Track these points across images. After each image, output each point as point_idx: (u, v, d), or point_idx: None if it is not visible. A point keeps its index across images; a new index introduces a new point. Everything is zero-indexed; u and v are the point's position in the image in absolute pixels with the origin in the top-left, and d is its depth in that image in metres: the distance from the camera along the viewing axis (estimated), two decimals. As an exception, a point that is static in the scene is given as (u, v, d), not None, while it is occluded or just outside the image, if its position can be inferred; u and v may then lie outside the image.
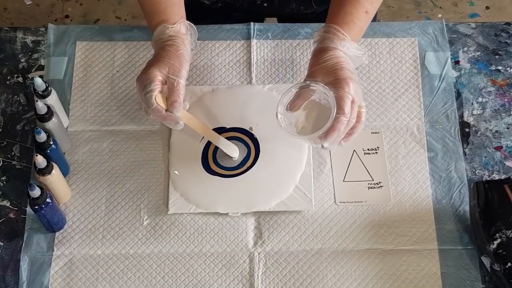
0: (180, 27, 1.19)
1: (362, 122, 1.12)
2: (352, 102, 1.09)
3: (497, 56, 1.35)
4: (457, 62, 1.34)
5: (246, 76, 1.33)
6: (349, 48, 1.14)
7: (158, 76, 1.13)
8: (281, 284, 1.16)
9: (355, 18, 1.15)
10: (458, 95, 1.31)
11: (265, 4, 1.43)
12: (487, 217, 1.12)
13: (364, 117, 1.12)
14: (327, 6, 1.20)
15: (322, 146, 1.11)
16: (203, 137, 1.24)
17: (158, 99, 1.12)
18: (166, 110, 1.13)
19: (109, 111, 1.30)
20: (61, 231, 1.20)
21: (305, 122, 1.16)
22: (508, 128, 1.28)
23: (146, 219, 1.21)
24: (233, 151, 1.22)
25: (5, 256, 1.18)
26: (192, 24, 1.21)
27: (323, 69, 1.12)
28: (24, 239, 1.19)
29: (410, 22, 1.38)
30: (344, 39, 1.13)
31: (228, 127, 1.26)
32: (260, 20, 1.39)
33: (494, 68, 1.34)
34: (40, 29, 1.39)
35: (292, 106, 1.13)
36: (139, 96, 1.15)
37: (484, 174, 1.24)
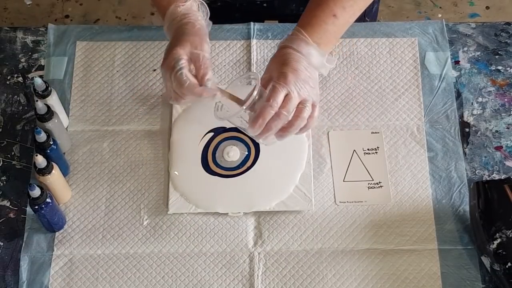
0: (192, 4, 1.18)
1: (303, 119, 1.10)
2: (287, 95, 1.08)
3: (497, 56, 1.35)
4: (457, 62, 1.34)
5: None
6: (304, 48, 1.13)
7: (183, 55, 1.12)
8: (281, 284, 1.16)
9: (321, 21, 1.15)
10: (458, 95, 1.31)
11: (264, 5, 1.43)
12: (487, 217, 1.12)
13: (307, 113, 1.10)
14: (326, 7, 1.20)
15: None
16: (203, 137, 1.25)
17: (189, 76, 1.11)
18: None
19: (109, 111, 1.30)
20: (61, 231, 1.20)
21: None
22: (508, 128, 1.28)
23: (146, 219, 1.21)
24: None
25: (5, 256, 1.18)
26: (204, 2, 1.20)
27: (273, 64, 1.14)
28: (24, 239, 1.19)
29: (410, 22, 1.38)
30: (302, 39, 1.14)
31: (228, 127, 1.26)
32: (260, 21, 1.39)
33: (494, 68, 1.34)
34: (40, 29, 1.39)
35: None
36: (166, 84, 1.14)
37: (484, 174, 1.24)
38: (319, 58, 1.15)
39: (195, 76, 1.12)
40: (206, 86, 1.11)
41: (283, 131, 1.11)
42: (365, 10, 1.21)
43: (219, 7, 1.44)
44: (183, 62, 1.11)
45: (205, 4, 1.21)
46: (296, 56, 1.13)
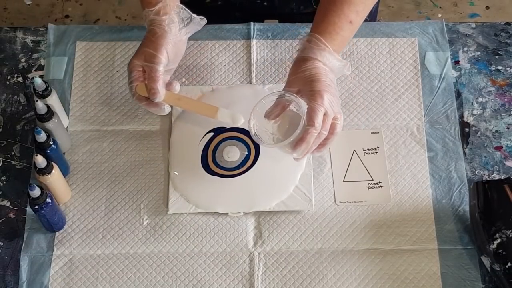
0: (161, 9, 1.19)
1: (336, 134, 1.12)
2: (325, 114, 1.09)
3: (497, 56, 1.35)
4: (457, 62, 1.34)
5: (246, 76, 1.33)
6: (329, 59, 1.14)
7: (136, 66, 1.18)
8: (281, 284, 1.16)
9: (338, 28, 1.15)
10: (458, 95, 1.31)
11: (265, 3, 1.43)
12: (487, 217, 1.12)
13: (339, 129, 1.12)
14: (327, 6, 1.20)
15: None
16: (203, 137, 1.25)
17: (139, 89, 1.18)
18: (148, 98, 1.18)
19: (109, 111, 1.30)
20: (61, 231, 1.20)
21: (277, 131, 1.16)
22: (508, 128, 1.28)
23: (146, 219, 1.21)
24: (237, 120, 1.18)
25: (5, 256, 1.18)
26: (182, 6, 1.21)
27: (301, 79, 1.13)
28: (24, 239, 1.19)
29: (410, 22, 1.38)
30: (325, 49, 1.13)
31: (228, 127, 1.26)
32: (260, 21, 1.39)
33: (494, 68, 1.34)
34: (40, 29, 1.39)
35: (269, 114, 1.14)
36: None
37: (484, 174, 1.24)
38: (340, 68, 1.16)
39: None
40: (153, 100, 1.17)
41: (319, 147, 1.13)
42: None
43: (219, 6, 1.44)
44: (134, 75, 1.18)
45: (185, 8, 1.21)
46: (323, 70, 1.12)
